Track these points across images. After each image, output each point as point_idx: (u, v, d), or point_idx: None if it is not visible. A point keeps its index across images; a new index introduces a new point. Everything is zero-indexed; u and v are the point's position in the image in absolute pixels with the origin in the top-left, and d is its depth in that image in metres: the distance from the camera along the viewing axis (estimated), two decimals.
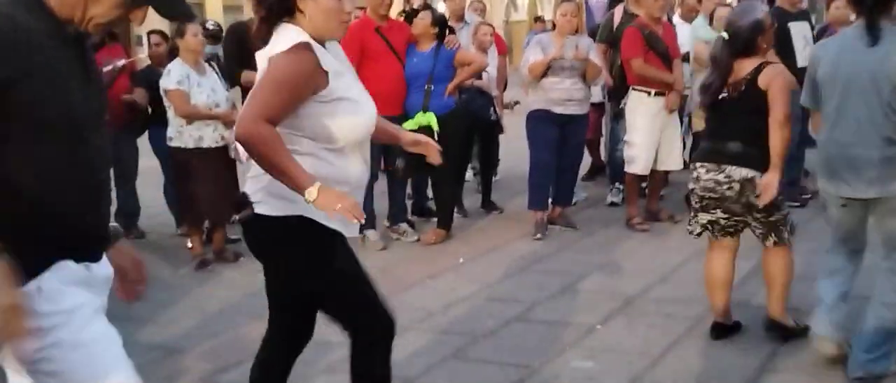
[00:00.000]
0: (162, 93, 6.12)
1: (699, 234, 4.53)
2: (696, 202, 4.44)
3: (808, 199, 7.25)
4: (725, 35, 4.29)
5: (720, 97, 4.30)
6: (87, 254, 2.16)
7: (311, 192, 2.60)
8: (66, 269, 2.08)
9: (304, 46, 2.70)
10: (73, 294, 2.07)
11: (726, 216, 4.37)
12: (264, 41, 2.81)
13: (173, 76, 6.02)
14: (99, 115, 2.18)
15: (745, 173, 4.19)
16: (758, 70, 4.22)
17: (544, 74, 6.73)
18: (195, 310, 5.36)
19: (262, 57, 2.81)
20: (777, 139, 4.13)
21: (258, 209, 2.83)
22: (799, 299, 4.63)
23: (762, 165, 4.17)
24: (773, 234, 4.34)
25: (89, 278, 2.15)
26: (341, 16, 2.80)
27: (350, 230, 2.90)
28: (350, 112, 2.79)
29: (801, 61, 6.63)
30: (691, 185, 4.43)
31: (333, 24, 2.79)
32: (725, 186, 4.24)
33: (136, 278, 2.42)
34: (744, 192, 4.22)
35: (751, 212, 4.29)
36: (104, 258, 2.25)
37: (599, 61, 6.94)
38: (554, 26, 8.50)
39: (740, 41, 4.25)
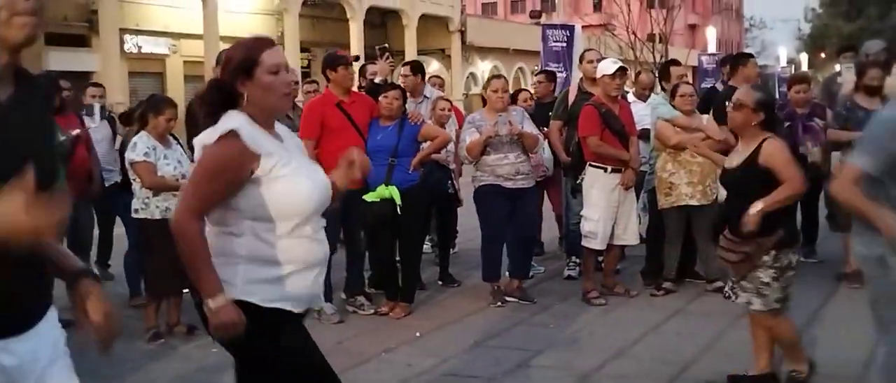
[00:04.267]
0: (128, 165, 6.12)
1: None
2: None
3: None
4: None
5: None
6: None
7: (212, 304, 2.71)
8: None
9: (231, 134, 2.75)
10: None
11: None
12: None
13: (139, 148, 6.02)
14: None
15: None
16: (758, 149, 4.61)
17: (484, 152, 6.84)
18: None
19: (198, 145, 2.87)
20: None
21: None
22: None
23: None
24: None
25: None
26: (282, 88, 2.86)
27: (297, 304, 2.89)
28: (287, 191, 2.80)
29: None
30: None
31: (274, 99, 2.87)
32: None
33: (103, 333, 2.29)
34: None
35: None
36: (39, 332, 2.15)
37: (530, 128, 7.06)
38: (514, 99, 8.63)
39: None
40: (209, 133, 2.81)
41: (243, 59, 2.84)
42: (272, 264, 2.77)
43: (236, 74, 2.85)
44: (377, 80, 7.45)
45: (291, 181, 2.81)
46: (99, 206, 7.39)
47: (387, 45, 8.98)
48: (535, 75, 10.44)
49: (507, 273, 7.24)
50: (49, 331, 2.21)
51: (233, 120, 2.81)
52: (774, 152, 4.54)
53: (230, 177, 2.76)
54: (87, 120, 7.41)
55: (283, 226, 2.81)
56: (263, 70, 2.82)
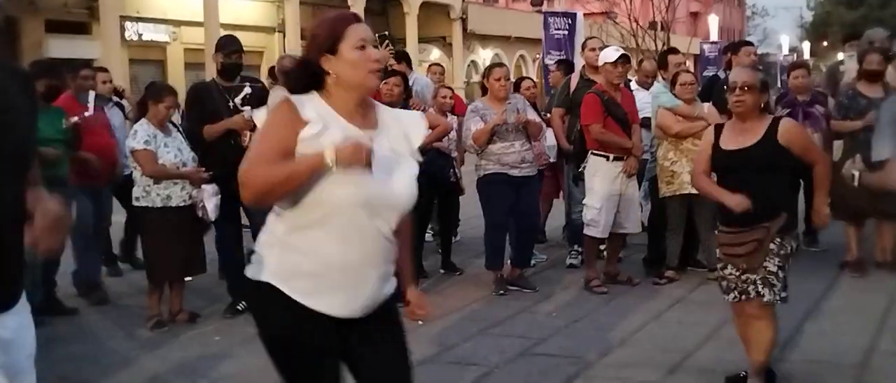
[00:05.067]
0: (128, 153, 6.11)
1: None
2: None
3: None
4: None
5: None
6: None
7: (327, 157, 2.54)
8: None
9: (283, 100, 2.69)
10: None
11: None
12: None
13: (140, 136, 6.01)
14: None
15: None
16: None
17: (490, 141, 6.83)
18: (150, 372, 5.28)
19: (256, 119, 2.79)
20: None
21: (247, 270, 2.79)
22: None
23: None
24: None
25: None
26: (368, 65, 2.72)
27: (320, 302, 2.70)
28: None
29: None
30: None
31: (362, 75, 2.72)
32: None
33: (47, 229, 2.27)
34: None
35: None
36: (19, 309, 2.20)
37: (533, 116, 7.07)
38: (517, 87, 8.63)
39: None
40: (272, 101, 2.73)
41: (328, 35, 2.73)
42: (306, 254, 2.67)
43: (320, 51, 2.72)
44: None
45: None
46: (123, 194, 7.28)
47: (387, 32, 8.98)
48: (553, 64, 10.42)
49: (509, 261, 7.24)
50: (25, 310, 2.28)
51: (297, 97, 2.71)
52: (795, 131, 4.52)
53: (280, 133, 2.64)
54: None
55: (318, 214, 2.67)
56: (349, 45, 2.71)
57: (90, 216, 6.95)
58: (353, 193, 2.64)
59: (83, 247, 6.90)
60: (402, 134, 2.86)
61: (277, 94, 2.75)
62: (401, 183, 2.78)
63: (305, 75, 2.75)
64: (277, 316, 2.74)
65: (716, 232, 4.60)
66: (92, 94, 7.29)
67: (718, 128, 4.62)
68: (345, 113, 2.73)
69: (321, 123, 2.65)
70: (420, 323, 6.10)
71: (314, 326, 2.71)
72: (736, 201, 4.21)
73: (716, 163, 4.54)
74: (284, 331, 2.75)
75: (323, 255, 2.68)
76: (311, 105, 2.69)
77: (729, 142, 4.49)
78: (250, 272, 2.77)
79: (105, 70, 8.46)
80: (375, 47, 2.78)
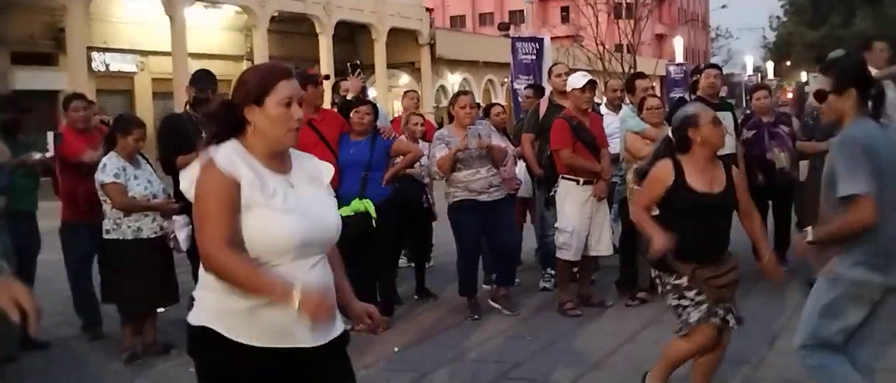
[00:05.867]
0: (97, 187, 6.07)
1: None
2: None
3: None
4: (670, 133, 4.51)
5: (716, 202, 4.46)
6: None
7: (294, 302, 2.58)
8: None
9: (209, 163, 2.69)
10: None
11: None
12: None
13: (109, 169, 5.99)
14: None
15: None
16: None
17: (455, 169, 6.90)
18: None
19: (185, 181, 2.78)
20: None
21: (189, 316, 2.80)
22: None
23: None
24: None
25: None
26: (289, 124, 2.75)
27: (262, 340, 2.71)
28: (260, 225, 2.69)
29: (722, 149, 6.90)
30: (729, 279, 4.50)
31: (281, 133, 2.76)
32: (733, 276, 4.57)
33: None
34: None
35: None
36: None
37: (498, 141, 7.14)
38: (487, 113, 8.72)
39: (676, 138, 4.46)
40: (193, 168, 2.74)
41: (257, 86, 2.75)
42: (241, 295, 2.67)
43: (247, 100, 2.75)
44: (349, 96, 7.50)
45: (268, 215, 2.70)
46: None
47: (358, 62, 9.05)
48: (525, 89, 10.49)
49: (490, 282, 7.27)
50: None
51: (218, 151, 2.73)
52: (743, 180, 4.78)
53: (226, 203, 2.67)
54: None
55: (253, 255, 2.70)
56: (274, 100, 2.74)
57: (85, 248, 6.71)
58: (290, 238, 2.70)
59: (76, 282, 6.79)
60: (316, 172, 2.95)
61: (211, 152, 2.74)
62: (329, 219, 2.86)
63: (230, 120, 2.77)
64: (219, 359, 2.74)
65: (688, 266, 4.45)
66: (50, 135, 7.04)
67: (678, 167, 4.44)
68: (264, 160, 2.78)
69: (249, 180, 2.69)
70: (395, 349, 6.16)
71: (258, 366, 2.72)
72: (663, 243, 4.25)
73: (681, 204, 4.39)
74: (227, 375, 2.75)
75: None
76: (237, 158, 2.72)
77: (698, 184, 4.40)
78: (191, 317, 2.79)
79: (92, 102, 8.14)
80: (300, 105, 2.80)
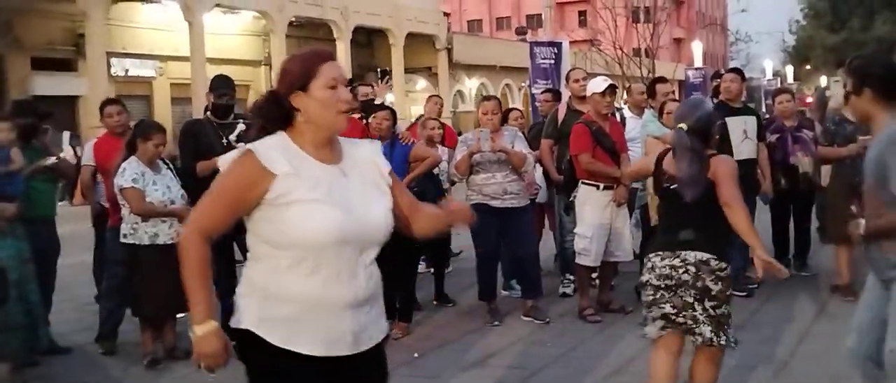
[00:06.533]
0: (116, 191, 6.10)
1: (656, 334, 4.41)
2: (649, 294, 4.35)
3: (754, 289, 7.41)
4: (683, 126, 4.29)
5: (672, 188, 4.35)
6: None
7: (197, 331, 2.62)
8: None
9: (248, 152, 2.66)
10: None
11: (675, 311, 4.28)
12: None
13: (128, 174, 6.02)
14: None
15: (699, 256, 4.20)
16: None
17: (473, 172, 6.90)
18: None
19: (221, 164, 2.75)
20: (737, 219, 4.17)
21: (232, 321, 2.77)
22: None
23: (715, 249, 4.23)
24: (717, 332, 4.27)
25: None
26: (338, 106, 2.70)
27: (311, 347, 2.69)
28: (299, 218, 2.63)
29: (737, 154, 6.91)
30: (645, 277, 4.36)
31: (331, 115, 2.71)
32: (681, 270, 4.21)
33: None
34: (699, 275, 4.20)
35: (703, 302, 4.22)
36: None
37: (523, 147, 7.11)
38: (505, 118, 8.69)
39: (701, 131, 4.30)
40: (231, 153, 2.73)
41: (300, 72, 2.71)
42: (285, 300, 2.66)
43: (292, 88, 2.70)
44: (377, 101, 7.57)
45: (306, 208, 2.63)
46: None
47: (389, 69, 9.09)
48: (542, 94, 10.45)
49: (510, 286, 7.24)
50: None
51: (266, 140, 2.71)
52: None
53: (237, 195, 2.66)
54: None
55: (297, 257, 2.65)
56: (319, 84, 2.69)
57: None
58: (330, 231, 2.64)
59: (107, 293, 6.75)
60: (370, 161, 2.88)
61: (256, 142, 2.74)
62: (375, 215, 2.77)
63: (277, 111, 2.73)
64: (259, 364, 2.73)
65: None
66: (65, 135, 7.09)
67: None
68: (312, 150, 2.73)
69: (291, 174, 2.65)
70: (416, 355, 6.15)
71: (297, 370, 2.70)
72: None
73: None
74: (268, 378, 2.74)
75: (301, 297, 2.68)
76: (278, 151, 2.67)
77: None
78: (232, 321, 2.77)
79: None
80: (346, 87, 2.77)
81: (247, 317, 2.72)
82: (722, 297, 4.23)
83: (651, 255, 4.39)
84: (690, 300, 4.23)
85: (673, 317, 4.30)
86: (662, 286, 4.28)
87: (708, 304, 4.23)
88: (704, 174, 4.24)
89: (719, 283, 4.22)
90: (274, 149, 2.67)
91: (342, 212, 2.66)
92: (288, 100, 2.71)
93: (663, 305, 4.30)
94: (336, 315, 2.71)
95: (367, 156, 2.88)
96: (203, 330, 2.62)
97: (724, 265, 4.24)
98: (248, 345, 2.72)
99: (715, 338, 4.26)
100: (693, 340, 4.32)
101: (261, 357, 2.70)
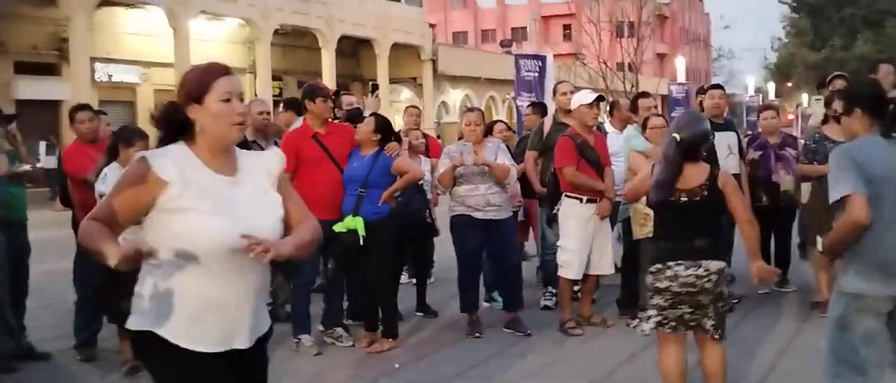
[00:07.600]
0: (97, 197, 6.06)
1: (653, 329, 4.66)
2: (666, 300, 4.55)
3: (735, 304, 7.42)
4: (677, 136, 4.56)
5: (681, 200, 4.55)
6: None
7: (112, 261, 2.61)
8: None
9: (142, 158, 2.79)
10: None
11: (691, 309, 4.56)
12: None
13: (109, 180, 5.97)
14: None
15: (718, 265, 4.52)
16: (714, 174, 4.61)
17: (456, 183, 6.95)
18: None
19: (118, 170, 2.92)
20: (754, 234, 4.59)
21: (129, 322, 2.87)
22: None
23: (723, 255, 4.63)
24: (720, 327, 4.61)
25: None
26: (232, 118, 2.84)
27: (204, 344, 2.80)
28: (188, 226, 2.74)
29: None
30: (664, 284, 4.52)
31: (224, 127, 2.83)
32: (704, 279, 4.49)
33: None
34: (719, 283, 4.53)
35: (715, 303, 4.56)
36: None
37: (506, 159, 7.13)
38: (490, 130, 8.71)
39: (691, 146, 4.56)
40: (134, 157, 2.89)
41: (196, 85, 2.84)
42: (184, 300, 2.77)
43: (188, 100, 2.84)
44: (366, 113, 7.58)
45: (194, 216, 2.74)
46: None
47: (376, 82, 9.10)
48: (526, 107, 10.47)
49: (491, 298, 7.25)
50: None
51: (158, 150, 2.84)
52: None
53: (128, 197, 2.77)
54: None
55: (191, 259, 2.76)
56: (214, 97, 2.82)
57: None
58: (215, 240, 2.75)
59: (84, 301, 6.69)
60: (264, 170, 3.00)
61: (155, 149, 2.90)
62: (263, 225, 2.85)
63: (172, 120, 2.86)
64: (161, 363, 2.82)
65: None
66: (42, 144, 7.09)
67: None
68: (208, 159, 2.86)
69: (181, 182, 2.76)
70: (397, 365, 6.14)
71: (199, 367, 2.80)
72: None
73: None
74: (171, 377, 2.83)
75: (200, 297, 2.79)
76: (171, 159, 2.79)
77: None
78: (131, 323, 2.85)
79: (104, 113, 7.92)
80: (241, 100, 2.89)
81: (147, 318, 2.80)
82: (726, 298, 4.63)
83: (671, 264, 4.55)
84: (707, 302, 4.55)
85: (687, 318, 4.59)
86: (684, 293, 4.53)
87: (718, 305, 4.60)
88: (674, 182, 4.55)
89: (727, 286, 4.65)
90: (167, 157, 2.80)
91: (229, 222, 2.76)
92: (184, 112, 2.85)
93: (680, 308, 4.57)
94: (233, 312, 2.84)
95: (263, 166, 3.01)
96: (117, 253, 2.63)
97: (729, 269, 4.71)
98: (148, 345, 2.81)
99: (714, 331, 4.60)
100: (697, 334, 4.68)
101: (162, 356, 2.80)
